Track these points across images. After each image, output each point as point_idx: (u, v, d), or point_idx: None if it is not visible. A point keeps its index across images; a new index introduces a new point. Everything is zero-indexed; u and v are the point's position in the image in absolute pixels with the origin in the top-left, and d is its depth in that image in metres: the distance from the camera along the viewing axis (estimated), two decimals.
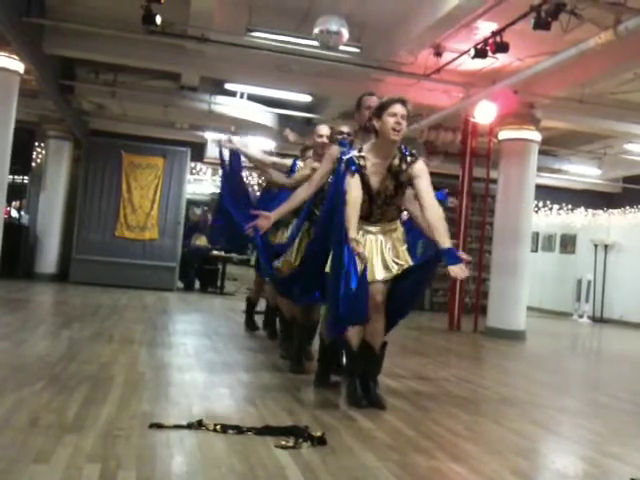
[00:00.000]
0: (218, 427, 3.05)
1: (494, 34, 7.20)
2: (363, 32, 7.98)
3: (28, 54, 8.04)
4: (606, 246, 14.75)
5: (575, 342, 11.14)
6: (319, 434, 3.03)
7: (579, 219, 15.62)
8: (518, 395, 5.05)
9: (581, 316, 14.61)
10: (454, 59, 8.41)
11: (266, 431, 3.07)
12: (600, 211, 15.32)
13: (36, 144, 12.99)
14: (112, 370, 4.35)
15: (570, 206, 15.77)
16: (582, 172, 14.66)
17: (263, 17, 7.88)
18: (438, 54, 8.43)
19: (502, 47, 7.14)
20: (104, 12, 8.09)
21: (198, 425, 3.05)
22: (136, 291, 11.27)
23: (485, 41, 7.38)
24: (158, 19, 7.07)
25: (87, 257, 12.08)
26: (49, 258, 12.56)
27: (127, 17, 7.58)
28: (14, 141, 8.62)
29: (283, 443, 2.91)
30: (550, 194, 15.13)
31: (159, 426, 3.01)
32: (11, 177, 10.40)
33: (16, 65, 8.15)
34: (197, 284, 13.36)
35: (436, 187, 4.16)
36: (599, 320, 14.37)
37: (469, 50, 7.71)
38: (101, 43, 8.70)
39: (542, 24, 6.20)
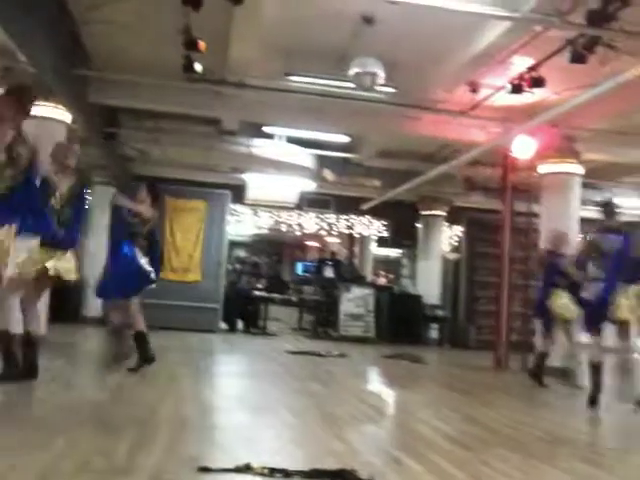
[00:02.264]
0: (265, 470, 3.03)
1: (530, 69, 7.21)
2: (398, 71, 8.06)
3: (74, 104, 8.32)
4: None
5: (628, 377, 10.79)
6: (367, 477, 2.98)
7: None
8: (569, 434, 4.91)
9: (634, 351, 14.16)
10: (490, 95, 8.42)
11: (314, 474, 3.04)
12: None
13: None
14: (159, 412, 4.38)
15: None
16: (626, 204, 14.38)
17: (300, 61, 8.03)
18: (474, 90, 8.44)
19: (538, 82, 7.14)
20: (145, 61, 8.35)
21: (246, 469, 3.04)
22: (180, 333, 11.35)
23: (521, 76, 7.39)
24: (198, 67, 7.26)
25: None
26: (97, 301, 12.74)
27: (167, 65, 7.81)
28: None
29: None
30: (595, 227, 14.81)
31: (207, 470, 3.00)
32: None
33: (63, 115, 8.43)
34: (240, 325, 13.41)
35: None
36: None
37: (505, 86, 7.73)
38: (143, 91, 8.96)
39: (578, 58, 6.19)
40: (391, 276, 19.74)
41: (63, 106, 8.25)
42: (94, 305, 12.67)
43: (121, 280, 6.35)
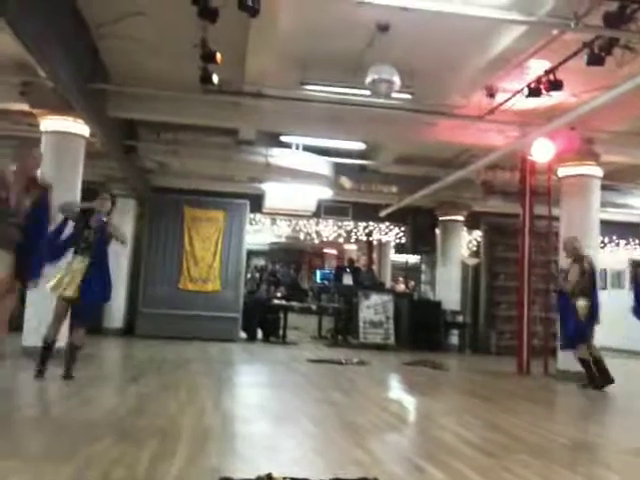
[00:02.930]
0: None
1: (547, 72, 7.18)
2: (414, 78, 8.06)
3: (93, 118, 8.41)
4: None
5: None
6: None
7: None
8: (591, 439, 4.86)
9: None
10: (508, 99, 8.38)
11: None
12: None
13: None
14: (180, 423, 4.40)
15: (638, 241, 15.29)
16: None
17: (316, 70, 8.06)
18: (491, 95, 8.41)
19: (556, 85, 7.10)
20: (163, 75, 8.43)
21: (267, 479, 3.04)
22: (200, 343, 11.40)
23: (538, 80, 7.36)
24: (215, 78, 7.32)
25: (152, 310, 12.34)
26: (116, 313, 12.86)
27: (185, 78, 7.87)
28: (81, 200, 8.94)
29: None
30: (616, 229, 14.71)
31: None
32: None
33: (82, 129, 8.53)
34: (260, 334, 13.43)
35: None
36: None
37: (522, 89, 7.70)
38: (161, 104, 9.04)
39: (596, 60, 6.15)
40: (412, 283, 19.68)
41: (82, 120, 8.35)
42: (113, 316, 12.80)
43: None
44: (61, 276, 6.25)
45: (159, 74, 8.44)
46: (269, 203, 13.64)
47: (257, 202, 13.87)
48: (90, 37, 7.51)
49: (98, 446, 3.58)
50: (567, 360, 9.10)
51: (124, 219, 13.12)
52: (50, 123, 8.39)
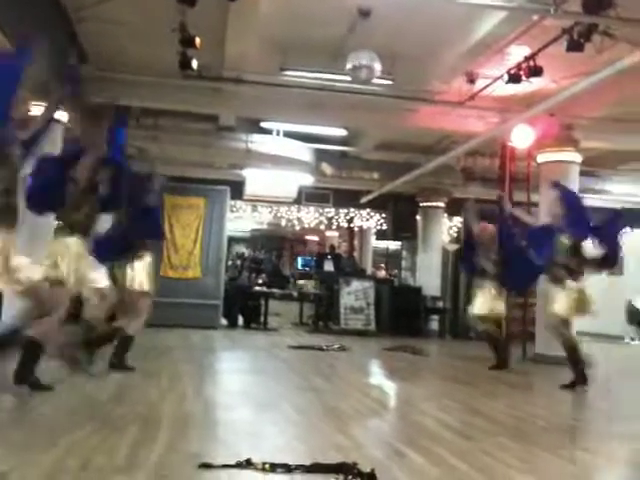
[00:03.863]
0: (267, 466, 3.04)
1: (527, 58, 7.20)
2: (395, 64, 8.05)
3: (71, 104, 8.30)
4: None
5: (627, 365, 10.82)
6: (369, 470, 2.99)
7: (626, 239, 15.24)
8: (570, 423, 4.93)
9: (633, 339, 14.20)
10: (488, 85, 8.41)
11: (315, 469, 3.05)
12: None
13: None
14: (160, 410, 4.39)
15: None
16: (625, 191, 14.38)
17: (296, 56, 8.02)
18: (471, 81, 8.43)
19: (536, 71, 7.13)
20: (143, 59, 8.34)
21: (247, 464, 3.05)
22: (181, 330, 11.35)
23: (518, 66, 7.38)
24: (194, 64, 7.25)
25: None
26: None
27: (165, 63, 7.80)
28: None
29: None
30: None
31: (208, 466, 3.01)
32: (56, 223, 10.65)
33: (59, 115, 8.40)
34: (241, 320, 13.42)
35: None
36: None
37: (502, 75, 7.72)
38: (141, 89, 8.95)
39: (575, 46, 6.18)
40: (395, 271, 19.75)
41: (61, 106, 8.22)
42: None
43: None
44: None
45: (139, 59, 8.35)
46: (250, 190, 13.60)
47: (238, 189, 13.81)
48: (68, 21, 7.40)
49: (78, 434, 3.57)
50: (545, 345, 9.22)
51: None
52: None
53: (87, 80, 8.87)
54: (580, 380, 6.60)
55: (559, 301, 6.67)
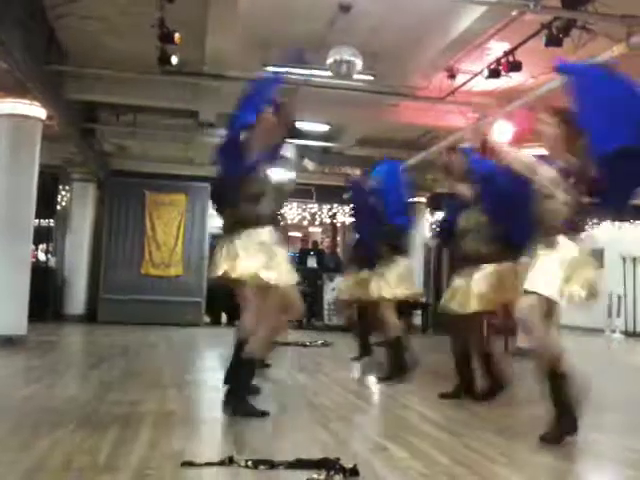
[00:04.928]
0: (250, 463, 3.03)
1: (506, 54, 7.24)
2: (376, 60, 8.06)
3: (49, 100, 8.22)
4: (634, 259, 14.54)
5: (609, 358, 10.94)
6: (351, 466, 2.99)
7: (605, 233, 15.41)
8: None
9: (613, 331, 14.37)
10: (468, 80, 8.45)
11: (298, 465, 3.05)
12: (627, 224, 15.11)
13: (60, 187, 13.22)
14: (142, 409, 4.36)
15: (595, 220, 15.58)
16: None
17: (277, 51, 7.99)
18: (452, 76, 8.47)
19: (515, 66, 7.17)
20: (122, 56, 8.27)
21: (229, 462, 3.04)
22: (164, 328, 11.31)
23: (498, 61, 7.42)
24: (174, 59, 7.21)
25: (114, 296, 12.20)
26: (77, 299, 12.69)
27: (144, 59, 7.74)
28: (39, 185, 8.75)
29: (315, 476, 2.87)
30: None
31: (191, 464, 2.99)
32: (37, 220, 10.57)
33: (38, 112, 8.32)
34: (224, 318, 13.38)
35: None
36: (632, 334, 14.11)
37: (482, 71, 7.75)
38: (120, 86, 8.89)
39: (554, 41, 6.22)
40: None
41: (38, 102, 8.15)
42: (74, 302, 12.63)
43: None
44: None
45: (118, 55, 8.28)
46: None
47: None
48: (46, 17, 7.32)
49: (60, 433, 3.53)
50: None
51: (84, 204, 12.93)
52: (4, 106, 8.16)
53: (66, 77, 8.80)
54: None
55: None
